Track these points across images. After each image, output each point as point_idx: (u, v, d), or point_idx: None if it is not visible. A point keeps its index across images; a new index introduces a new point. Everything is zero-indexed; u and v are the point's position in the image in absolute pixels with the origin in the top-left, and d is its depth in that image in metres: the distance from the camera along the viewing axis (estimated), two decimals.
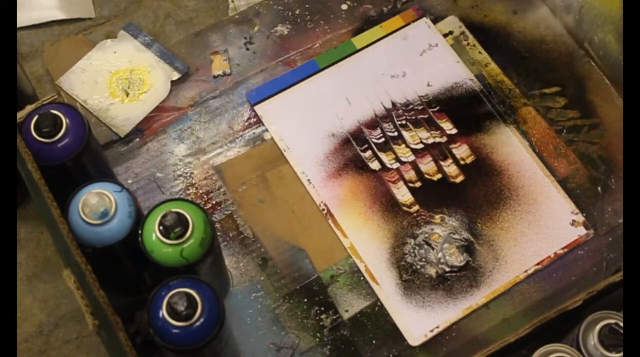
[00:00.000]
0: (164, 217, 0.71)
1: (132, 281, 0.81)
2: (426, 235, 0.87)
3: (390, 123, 0.92)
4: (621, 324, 0.71)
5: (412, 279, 0.85)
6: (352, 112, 0.93)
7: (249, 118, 0.93)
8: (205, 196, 0.89)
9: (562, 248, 0.86)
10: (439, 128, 0.92)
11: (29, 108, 0.76)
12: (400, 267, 0.85)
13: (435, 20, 0.98)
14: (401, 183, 0.89)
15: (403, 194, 0.89)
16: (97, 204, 0.71)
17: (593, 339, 0.72)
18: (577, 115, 0.93)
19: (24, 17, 0.97)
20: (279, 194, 0.89)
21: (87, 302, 0.69)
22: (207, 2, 1.01)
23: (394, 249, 0.86)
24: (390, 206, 0.88)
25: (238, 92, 0.94)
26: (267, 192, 0.89)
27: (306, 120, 0.92)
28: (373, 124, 0.92)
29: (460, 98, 0.94)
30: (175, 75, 0.94)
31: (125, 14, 0.99)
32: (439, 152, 0.91)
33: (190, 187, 0.89)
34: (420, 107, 0.93)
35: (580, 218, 0.87)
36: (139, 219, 0.73)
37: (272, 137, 0.91)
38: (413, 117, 0.93)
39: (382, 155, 0.91)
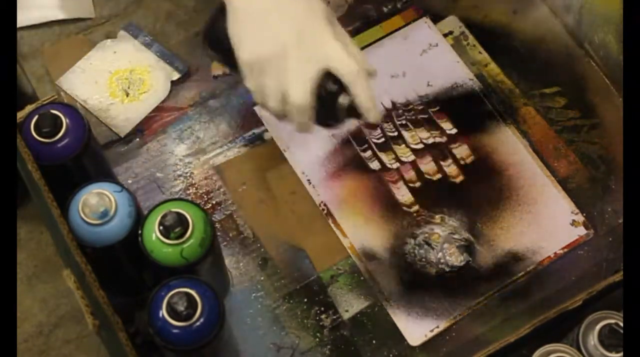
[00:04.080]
0: (164, 217, 0.71)
1: (132, 281, 0.81)
2: (426, 235, 0.87)
3: (390, 123, 0.92)
4: (621, 324, 0.71)
5: (412, 279, 0.85)
6: None
7: (249, 118, 0.93)
8: (205, 196, 0.89)
9: (562, 248, 0.86)
10: (439, 128, 0.92)
11: (29, 108, 0.76)
12: (400, 267, 0.85)
13: (435, 20, 0.97)
14: (401, 183, 0.89)
15: (403, 194, 0.89)
16: (97, 204, 0.71)
17: (593, 339, 0.72)
18: (577, 115, 0.93)
19: (24, 17, 0.97)
20: (279, 194, 0.89)
21: (87, 302, 0.69)
22: (207, 2, 1.01)
23: (394, 249, 0.86)
24: (390, 206, 0.88)
25: (238, 92, 0.94)
26: (267, 192, 0.89)
27: None
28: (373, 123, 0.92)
29: (460, 98, 0.94)
30: (175, 75, 0.94)
31: (125, 14, 0.99)
32: (439, 152, 0.91)
33: (190, 187, 0.89)
34: (420, 107, 0.93)
35: (580, 218, 0.87)
36: (139, 219, 0.73)
37: (272, 137, 0.91)
38: (413, 117, 0.93)
39: (382, 155, 0.90)
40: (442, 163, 0.90)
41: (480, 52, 0.96)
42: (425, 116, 0.93)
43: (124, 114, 0.92)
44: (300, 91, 0.74)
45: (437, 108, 0.93)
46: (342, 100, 0.76)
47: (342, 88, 0.75)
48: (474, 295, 0.84)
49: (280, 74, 0.74)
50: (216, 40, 0.79)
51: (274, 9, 0.75)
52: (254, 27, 0.75)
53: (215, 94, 0.94)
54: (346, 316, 0.83)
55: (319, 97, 0.75)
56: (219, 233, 0.87)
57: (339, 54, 0.74)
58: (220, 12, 0.78)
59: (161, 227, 0.71)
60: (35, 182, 0.73)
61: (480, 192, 0.89)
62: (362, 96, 0.75)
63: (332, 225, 0.87)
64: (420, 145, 0.91)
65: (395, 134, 0.92)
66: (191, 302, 0.67)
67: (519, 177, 0.89)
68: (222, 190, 0.89)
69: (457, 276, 0.85)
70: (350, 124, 0.92)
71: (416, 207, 0.88)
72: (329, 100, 0.76)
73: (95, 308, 0.69)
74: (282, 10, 0.75)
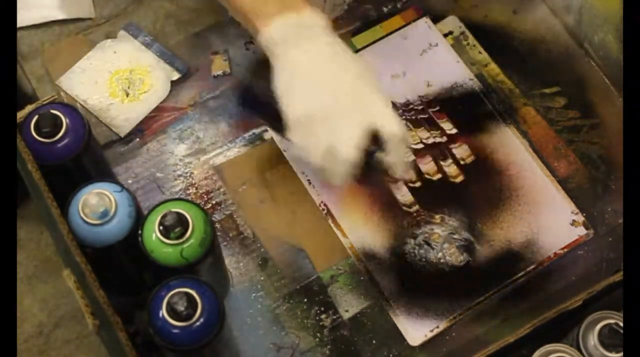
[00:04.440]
0: (164, 217, 0.71)
1: (132, 281, 0.81)
2: (426, 235, 0.87)
3: None
4: (621, 324, 0.71)
5: (412, 279, 0.85)
6: None
7: (249, 118, 0.93)
8: (205, 196, 0.89)
9: (562, 248, 0.86)
10: (439, 128, 0.92)
11: (29, 108, 0.76)
12: (400, 267, 0.85)
13: (435, 20, 0.97)
14: (401, 183, 0.89)
15: (403, 194, 0.89)
16: (97, 204, 0.71)
17: (593, 339, 0.72)
18: (577, 115, 0.93)
19: (24, 17, 0.97)
20: (279, 194, 0.89)
21: (87, 302, 0.69)
22: (207, 2, 1.01)
23: (394, 249, 0.86)
24: (390, 206, 0.88)
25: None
26: (267, 192, 0.89)
27: None
28: None
29: (460, 98, 0.94)
30: (175, 75, 0.94)
31: (125, 14, 0.99)
32: (439, 152, 0.91)
33: (190, 187, 0.89)
34: (420, 107, 0.93)
35: (580, 218, 0.87)
36: (139, 219, 0.73)
37: (272, 137, 0.91)
38: (413, 117, 0.93)
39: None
40: (442, 163, 0.90)
41: (480, 52, 0.96)
42: (425, 116, 0.93)
43: (124, 114, 0.92)
44: (350, 148, 0.77)
45: (437, 108, 0.93)
46: (379, 158, 0.80)
47: (380, 147, 0.79)
48: (474, 295, 0.84)
49: (331, 131, 0.77)
50: (253, 98, 0.84)
51: (327, 67, 0.78)
52: (304, 84, 0.78)
53: (215, 94, 0.94)
54: (346, 316, 0.83)
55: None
56: (219, 233, 0.87)
57: (388, 117, 0.78)
58: (258, 70, 0.80)
59: (161, 227, 0.71)
60: (35, 182, 0.73)
61: (480, 192, 0.89)
62: (399, 161, 0.80)
63: (332, 225, 0.87)
64: (420, 146, 0.91)
65: None
66: (191, 302, 0.67)
67: (519, 177, 0.89)
68: (222, 190, 0.89)
69: (457, 276, 0.85)
70: None
71: (416, 207, 0.88)
72: (365, 157, 0.79)
73: (95, 308, 0.69)
74: (335, 69, 0.78)
